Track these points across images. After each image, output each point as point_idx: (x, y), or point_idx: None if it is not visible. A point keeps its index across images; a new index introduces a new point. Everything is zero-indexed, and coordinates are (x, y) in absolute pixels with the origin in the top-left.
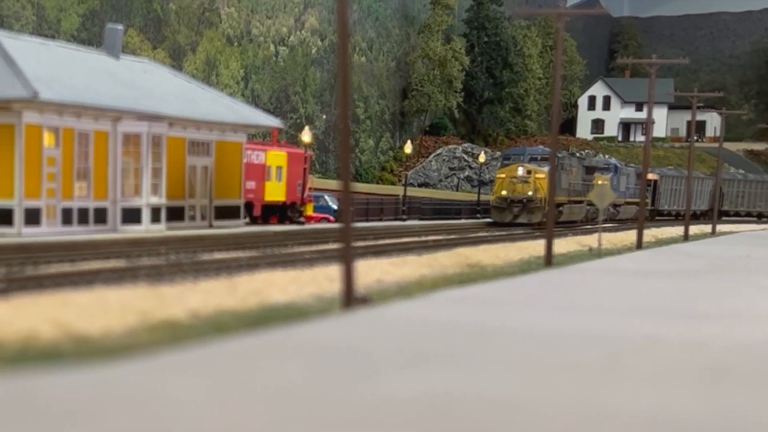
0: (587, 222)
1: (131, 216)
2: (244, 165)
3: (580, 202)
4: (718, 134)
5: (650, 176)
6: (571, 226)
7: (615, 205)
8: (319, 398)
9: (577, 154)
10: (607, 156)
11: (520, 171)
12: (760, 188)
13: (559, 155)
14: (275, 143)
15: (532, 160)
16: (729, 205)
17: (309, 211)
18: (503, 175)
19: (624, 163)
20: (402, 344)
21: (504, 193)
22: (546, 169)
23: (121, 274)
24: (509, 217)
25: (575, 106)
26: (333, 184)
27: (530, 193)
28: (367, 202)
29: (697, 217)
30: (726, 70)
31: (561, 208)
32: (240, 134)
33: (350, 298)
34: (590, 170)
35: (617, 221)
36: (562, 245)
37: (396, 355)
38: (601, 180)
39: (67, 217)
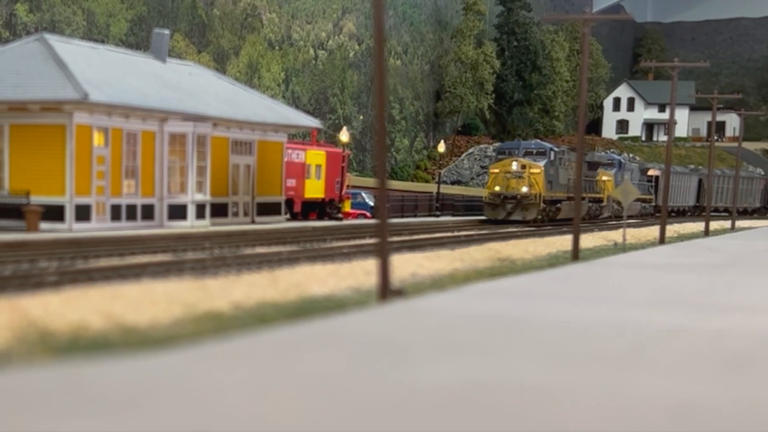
0: (589, 219)
1: (177, 212)
2: (285, 163)
3: (582, 198)
4: (737, 134)
5: (651, 172)
6: (573, 223)
7: (619, 202)
8: (356, 385)
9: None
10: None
11: (514, 166)
12: (746, 184)
13: (556, 149)
14: (314, 143)
15: (527, 154)
16: (716, 201)
17: (347, 207)
18: (497, 170)
19: (628, 159)
20: (435, 335)
21: (497, 188)
22: (541, 163)
23: (167, 267)
24: (502, 215)
25: (601, 107)
26: (370, 181)
27: (524, 189)
28: (402, 199)
29: (683, 214)
30: (745, 72)
31: (559, 205)
32: (281, 134)
33: (386, 291)
34: (593, 166)
35: (619, 218)
36: (589, 240)
37: (430, 344)
38: (605, 176)
39: (115, 213)
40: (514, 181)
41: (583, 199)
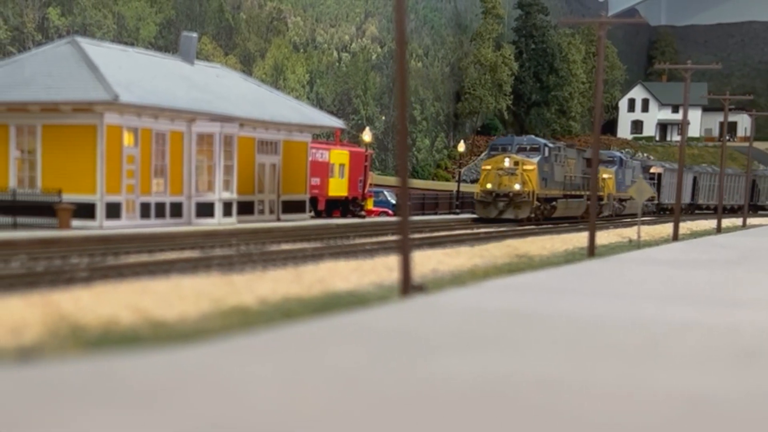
0: (588, 218)
1: (205, 210)
2: (310, 163)
3: (579, 196)
4: (748, 134)
5: (653, 169)
6: (574, 222)
7: (620, 200)
8: (379, 378)
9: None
10: (645, 155)
11: (507, 162)
12: (733, 182)
13: (551, 145)
14: (338, 142)
15: (521, 150)
16: (703, 198)
17: (369, 205)
18: (489, 167)
19: (630, 156)
20: (456, 329)
21: (489, 186)
22: (535, 160)
23: (195, 263)
24: (494, 213)
25: (616, 108)
26: (392, 180)
27: (517, 186)
28: (423, 197)
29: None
30: (756, 74)
31: (554, 203)
32: (305, 134)
33: (408, 286)
34: (591, 162)
35: (622, 216)
36: (604, 237)
37: (450, 338)
38: (606, 174)
39: (145, 211)
40: (506, 178)
41: (580, 197)
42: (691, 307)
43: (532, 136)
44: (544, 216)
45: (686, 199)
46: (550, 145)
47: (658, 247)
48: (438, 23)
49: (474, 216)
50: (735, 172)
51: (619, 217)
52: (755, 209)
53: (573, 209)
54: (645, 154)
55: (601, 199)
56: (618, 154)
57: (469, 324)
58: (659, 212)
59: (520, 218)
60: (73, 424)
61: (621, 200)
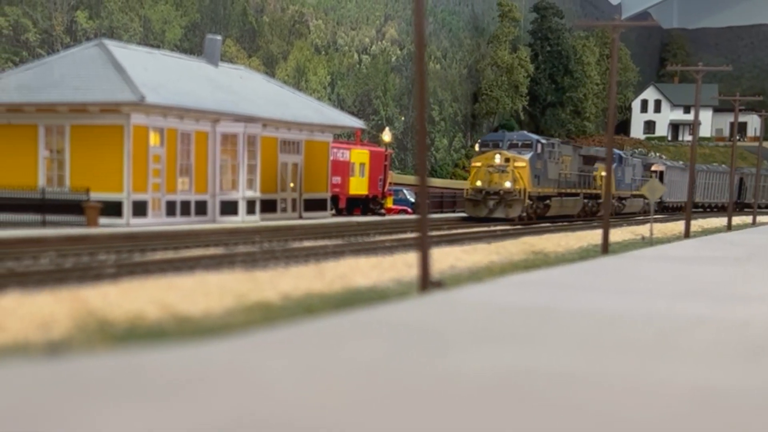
0: (584, 216)
1: (229, 208)
2: (331, 162)
3: (575, 194)
4: (758, 134)
5: (655, 167)
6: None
7: (620, 198)
8: (398, 371)
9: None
10: (657, 154)
11: (497, 159)
12: (721, 179)
13: (544, 141)
14: (358, 142)
15: (512, 146)
16: (700, 196)
17: (389, 203)
18: (479, 164)
19: (630, 154)
20: (473, 324)
21: (479, 184)
22: (527, 156)
23: (219, 260)
24: (484, 212)
25: (629, 108)
26: (411, 179)
27: (508, 184)
28: (442, 196)
29: (679, 210)
30: (765, 76)
31: (548, 201)
32: (327, 134)
33: (426, 282)
34: (589, 160)
35: (622, 215)
36: (618, 234)
37: (468, 333)
38: (605, 171)
39: (170, 209)
40: (496, 175)
41: (576, 195)
42: (703, 302)
43: (524, 132)
44: (537, 215)
45: (685, 197)
46: (543, 141)
47: (671, 244)
48: (456, 26)
49: (463, 215)
50: (725, 170)
51: (620, 215)
52: (741, 207)
53: (568, 208)
54: (657, 154)
55: (597, 197)
56: (617, 151)
57: (486, 319)
58: (661, 210)
59: (511, 217)
60: (101, 416)
61: (621, 198)
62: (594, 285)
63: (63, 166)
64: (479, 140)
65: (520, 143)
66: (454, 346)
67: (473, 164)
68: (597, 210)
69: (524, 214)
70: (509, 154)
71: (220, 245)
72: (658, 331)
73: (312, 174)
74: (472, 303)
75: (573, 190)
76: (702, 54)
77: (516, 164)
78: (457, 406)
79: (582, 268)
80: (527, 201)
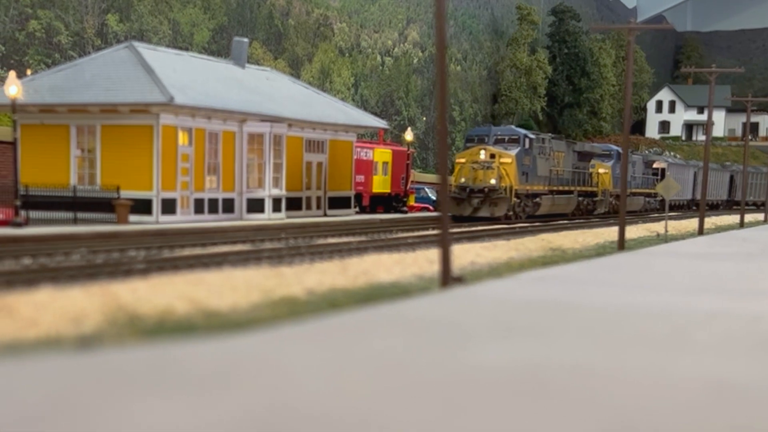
0: (580, 215)
1: (255, 206)
2: (354, 161)
3: (568, 192)
4: None
5: (657, 164)
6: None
7: (617, 196)
8: (420, 364)
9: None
10: (672, 153)
11: (483, 155)
12: (714, 177)
13: (532, 136)
14: (381, 142)
15: (498, 141)
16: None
17: (411, 201)
18: (463, 160)
19: (631, 151)
20: (493, 318)
21: (463, 181)
22: (513, 152)
23: (246, 256)
24: (468, 210)
25: (644, 109)
26: (432, 177)
27: (493, 181)
28: None
29: (681, 208)
30: None
31: (538, 200)
32: (350, 134)
33: (447, 278)
34: (584, 156)
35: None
36: (633, 231)
37: (488, 327)
38: (602, 168)
39: (198, 206)
40: (481, 172)
41: (570, 192)
42: (716, 297)
43: (512, 126)
44: (527, 213)
45: (687, 195)
46: (531, 135)
47: (685, 241)
48: (476, 29)
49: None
50: (719, 168)
51: (616, 213)
52: (731, 204)
53: (560, 206)
54: (672, 153)
55: (594, 195)
56: (615, 147)
57: (505, 314)
58: (663, 209)
59: (497, 216)
60: (133, 408)
61: (619, 196)
62: (610, 280)
63: (94, 165)
64: (465, 135)
65: (506, 138)
66: (474, 339)
67: (457, 160)
68: (594, 208)
69: (510, 213)
70: (495, 149)
71: (247, 242)
72: (672, 325)
73: (336, 172)
74: (492, 298)
75: (566, 188)
76: (715, 56)
77: (502, 160)
78: (478, 397)
79: (599, 264)
80: (514, 199)
